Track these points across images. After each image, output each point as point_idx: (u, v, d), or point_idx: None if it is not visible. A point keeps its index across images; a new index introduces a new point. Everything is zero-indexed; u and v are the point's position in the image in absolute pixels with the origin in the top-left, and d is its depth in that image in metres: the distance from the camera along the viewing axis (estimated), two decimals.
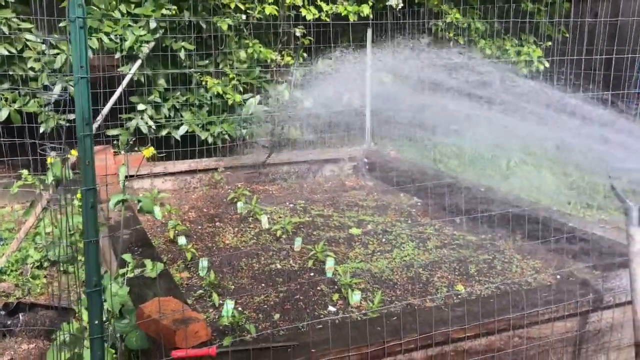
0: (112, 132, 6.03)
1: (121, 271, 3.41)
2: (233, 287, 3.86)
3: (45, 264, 4.57)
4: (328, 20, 6.71)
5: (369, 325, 2.74)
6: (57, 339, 2.89)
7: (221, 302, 3.49)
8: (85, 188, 2.03)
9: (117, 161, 5.70)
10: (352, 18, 6.75)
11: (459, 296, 3.65)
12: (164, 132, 6.20)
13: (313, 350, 2.56)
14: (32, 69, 5.45)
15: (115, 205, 3.06)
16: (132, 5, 5.82)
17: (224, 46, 6.41)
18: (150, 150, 3.75)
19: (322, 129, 6.79)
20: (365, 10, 6.74)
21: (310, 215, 5.32)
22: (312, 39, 6.94)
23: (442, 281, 3.91)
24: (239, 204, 5.44)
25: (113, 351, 2.93)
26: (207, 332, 2.61)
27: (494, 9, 7.22)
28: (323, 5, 6.70)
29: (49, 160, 3.89)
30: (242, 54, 6.47)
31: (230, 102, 6.36)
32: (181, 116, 6.29)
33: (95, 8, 5.61)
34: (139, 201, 3.16)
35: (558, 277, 3.95)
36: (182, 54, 6.04)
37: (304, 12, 6.59)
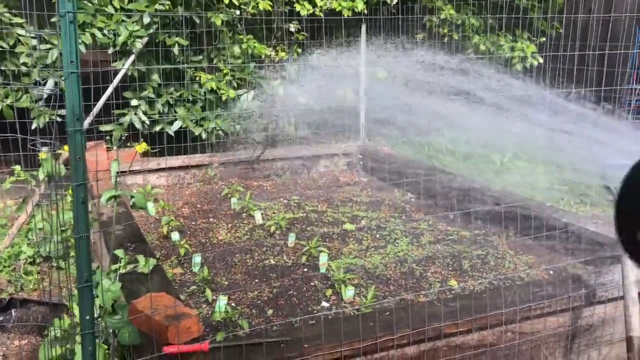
0: (106, 127, 6.01)
1: (114, 267, 3.40)
2: (226, 282, 3.85)
3: (38, 260, 4.56)
4: (322, 15, 6.70)
5: (361, 321, 2.75)
6: (49, 334, 2.88)
7: (214, 297, 3.48)
8: (76, 183, 2.02)
9: (110, 157, 5.68)
10: (347, 14, 6.74)
11: (452, 291, 3.66)
12: (157, 128, 6.18)
13: (306, 346, 2.56)
14: (24, 64, 5.42)
15: (107, 200, 3.05)
16: (126, 1, 5.80)
17: (218, 42, 6.39)
18: (143, 146, 3.74)
19: (316, 124, 6.79)
20: (360, 5, 6.73)
21: (304, 211, 5.31)
22: (306, 34, 6.92)
23: (435, 277, 3.92)
24: (233, 200, 5.43)
25: (105, 347, 2.93)
26: (199, 328, 2.61)
27: (488, 4, 7.22)
28: (317, 0, 6.68)
29: (41, 155, 3.88)
30: (236, 50, 6.45)
31: (224, 97, 6.34)
32: (175, 112, 6.27)
33: (88, 3, 5.58)
34: (132, 197, 3.16)
35: (551, 272, 3.96)
36: (175, 50, 6.02)
37: (298, 7, 6.58)
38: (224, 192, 5.80)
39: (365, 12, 6.89)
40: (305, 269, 4.05)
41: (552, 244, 4.22)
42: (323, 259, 4.00)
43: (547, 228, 4.18)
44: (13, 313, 3.70)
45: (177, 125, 6.23)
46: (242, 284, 3.81)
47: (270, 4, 6.42)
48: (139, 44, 5.79)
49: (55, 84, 5.29)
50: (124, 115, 6.03)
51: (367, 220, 5.05)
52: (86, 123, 5.44)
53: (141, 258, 3.45)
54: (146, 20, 5.77)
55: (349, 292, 3.56)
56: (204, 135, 6.34)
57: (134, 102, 6.03)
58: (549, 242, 4.23)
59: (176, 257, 4.22)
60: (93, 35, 5.56)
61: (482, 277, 3.91)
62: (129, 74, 5.88)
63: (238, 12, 6.38)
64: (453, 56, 6.07)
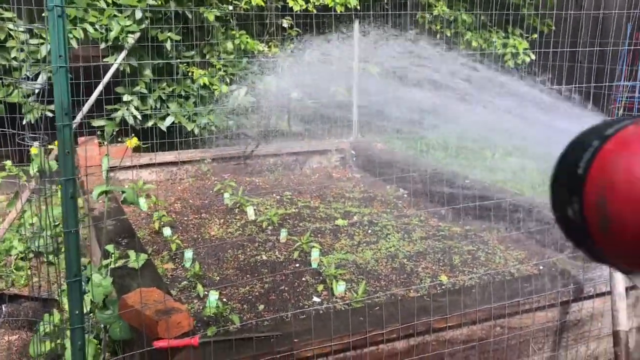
0: (97, 122, 5.99)
1: (105, 262, 3.40)
2: (218, 278, 3.86)
3: (29, 255, 4.55)
4: (315, 11, 6.70)
5: (352, 316, 2.76)
6: (39, 330, 2.88)
7: (206, 293, 3.49)
8: (65, 178, 2.02)
9: (102, 152, 5.66)
10: (339, 9, 6.74)
11: (443, 287, 3.68)
12: (149, 123, 6.17)
13: (296, 340, 2.57)
14: (14, 58, 5.39)
15: (98, 196, 3.05)
16: None
17: (211, 37, 6.38)
18: (134, 141, 3.74)
19: (309, 120, 6.79)
20: (352, 1, 6.73)
21: (296, 207, 5.32)
22: (299, 30, 6.92)
23: (426, 272, 3.94)
24: (225, 195, 5.43)
25: (96, 342, 2.93)
26: (189, 323, 2.62)
27: (481, 1, 7.24)
28: None
29: (32, 150, 3.86)
30: (229, 45, 6.44)
31: (216, 93, 6.33)
32: (167, 107, 6.26)
33: None
34: (123, 192, 3.16)
35: (541, 267, 3.99)
36: (168, 45, 6.01)
37: (290, 3, 6.58)
38: (216, 187, 5.80)
39: (358, 8, 6.89)
40: (297, 265, 4.06)
41: (542, 239, 4.25)
42: (315, 254, 4.01)
43: (538, 223, 4.21)
44: (3, 308, 3.70)
45: (169, 120, 6.22)
46: (233, 279, 3.82)
47: None
48: (131, 39, 5.78)
49: (48, 78, 5.27)
50: (116, 110, 6.01)
51: (359, 216, 5.06)
52: (78, 118, 5.43)
53: (132, 253, 3.46)
54: (138, 15, 5.75)
55: (340, 287, 3.58)
56: (196, 131, 6.34)
57: (126, 98, 6.02)
58: (539, 237, 4.26)
59: (168, 253, 4.22)
60: (85, 30, 5.54)
61: (473, 272, 3.93)
62: (121, 69, 5.87)
63: (231, 7, 6.37)
64: (445, 53, 6.08)
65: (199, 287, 3.57)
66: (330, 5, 6.72)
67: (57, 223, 3.96)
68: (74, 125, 2.37)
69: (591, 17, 7.01)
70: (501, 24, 7.56)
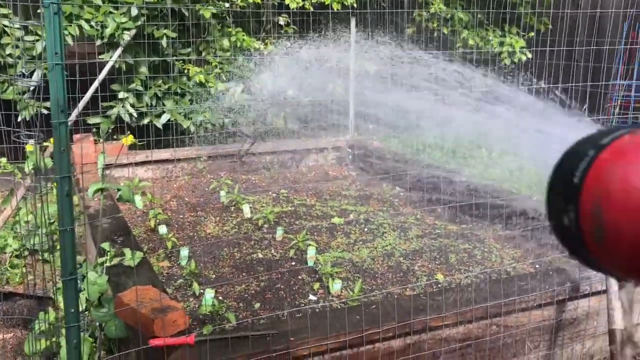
0: (93, 120, 5.97)
1: (100, 260, 3.39)
2: (214, 276, 3.85)
3: (25, 253, 4.53)
4: (312, 9, 6.68)
5: (348, 314, 2.76)
6: (34, 328, 2.87)
7: (202, 291, 3.48)
8: (60, 176, 2.01)
9: (97, 149, 5.64)
10: (336, 7, 6.73)
11: (439, 285, 3.68)
12: (145, 121, 6.15)
13: (292, 339, 2.57)
14: (9, 55, 5.36)
15: (94, 193, 3.04)
16: None
17: (207, 34, 6.36)
18: (129, 139, 3.72)
19: (305, 118, 6.78)
20: None
21: (292, 205, 5.32)
22: (295, 27, 6.91)
23: (422, 270, 3.94)
24: (221, 193, 5.42)
25: (91, 340, 2.92)
26: (185, 321, 2.61)
27: None
28: None
29: (27, 148, 3.85)
30: (225, 42, 6.43)
31: (212, 90, 6.32)
32: (163, 104, 6.24)
33: None
34: (119, 190, 3.15)
35: (537, 266, 3.99)
36: (164, 42, 5.99)
37: (287, 0, 6.56)
38: (212, 185, 5.79)
39: (355, 5, 6.88)
40: (293, 263, 4.06)
41: (539, 238, 4.26)
42: (311, 252, 4.01)
43: (534, 222, 4.22)
44: None
45: (165, 118, 6.21)
46: (229, 278, 3.81)
47: None
48: (126, 36, 5.75)
49: (43, 75, 5.25)
50: (111, 107, 5.99)
51: (355, 214, 5.06)
52: (73, 115, 5.40)
53: (128, 251, 3.44)
54: (134, 12, 5.73)
55: (336, 286, 3.57)
56: (192, 128, 6.32)
57: (121, 95, 5.99)
58: (535, 235, 4.26)
59: (163, 251, 4.21)
60: (80, 27, 5.52)
61: (469, 270, 3.94)
62: (117, 66, 5.85)
63: (227, 4, 6.35)
64: (442, 51, 6.08)
65: (195, 285, 3.57)
66: (327, 3, 6.71)
67: (52, 221, 3.95)
68: (69, 123, 2.35)
69: (588, 16, 7.02)
70: (498, 22, 7.56)
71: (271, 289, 3.65)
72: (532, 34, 7.50)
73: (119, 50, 5.77)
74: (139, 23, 5.81)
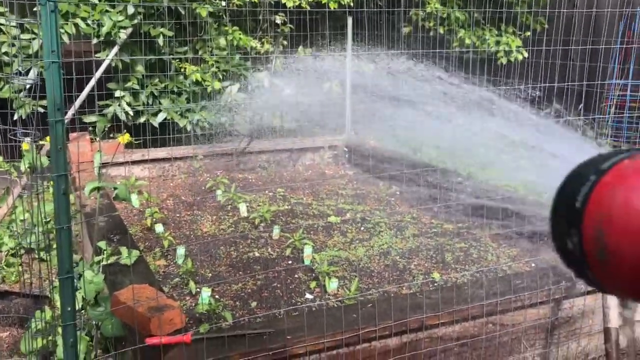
0: (89, 118, 5.96)
1: (97, 259, 3.38)
2: (210, 275, 3.85)
3: (21, 252, 4.52)
4: (308, 8, 6.68)
5: (344, 313, 2.76)
6: (30, 326, 2.87)
7: (198, 289, 3.48)
8: (57, 175, 2.01)
9: (94, 148, 5.63)
10: (333, 6, 6.73)
11: (435, 284, 3.69)
12: (142, 119, 6.14)
13: (289, 337, 2.57)
14: (5, 53, 5.35)
15: (90, 192, 3.03)
16: None
17: (203, 33, 6.35)
18: (126, 137, 3.72)
19: (302, 117, 6.78)
20: None
21: (289, 204, 5.32)
22: (292, 26, 6.90)
23: (418, 269, 3.95)
24: (218, 192, 5.42)
25: (88, 338, 2.92)
26: (181, 320, 2.61)
27: None
28: None
29: (24, 146, 3.84)
30: (222, 41, 6.42)
31: (209, 89, 6.31)
32: (159, 103, 6.24)
33: None
34: (115, 188, 3.14)
35: (533, 265, 4.00)
36: (160, 41, 5.98)
37: None
38: (208, 184, 5.78)
39: (352, 4, 6.88)
40: (290, 261, 4.06)
41: (535, 237, 4.27)
42: (307, 251, 4.01)
43: (530, 221, 4.23)
44: None
45: (161, 116, 6.20)
46: (226, 276, 3.81)
47: None
48: (123, 35, 5.74)
49: (39, 74, 5.24)
50: (108, 106, 5.98)
51: (352, 213, 5.06)
52: (70, 114, 5.39)
53: (124, 250, 3.44)
54: (130, 10, 5.72)
55: (332, 284, 3.58)
56: (188, 127, 6.31)
57: (118, 93, 5.98)
58: (532, 234, 4.27)
59: (160, 249, 4.20)
60: (76, 25, 5.51)
61: (465, 269, 3.94)
62: (113, 64, 5.83)
63: (224, 3, 6.35)
64: (438, 50, 6.09)
65: (192, 284, 3.57)
66: (323, 2, 6.70)
67: (48, 219, 3.94)
68: (65, 121, 2.35)
69: (584, 16, 7.04)
70: (494, 21, 7.57)
71: (268, 287, 3.65)
72: (528, 33, 7.52)
73: (115, 49, 5.76)
74: (136, 21, 5.80)
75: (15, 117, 5.23)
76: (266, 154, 6.69)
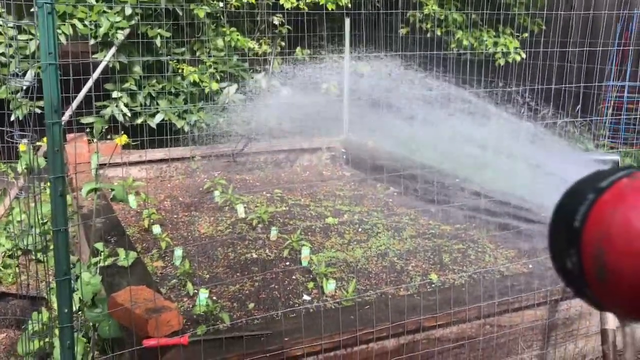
0: (86, 119, 5.95)
1: (94, 260, 3.38)
2: (208, 276, 3.85)
3: (18, 253, 4.51)
4: (306, 9, 6.68)
5: (342, 314, 2.76)
6: (27, 328, 2.86)
7: (196, 291, 3.48)
8: (54, 176, 2.00)
9: (91, 149, 5.62)
10: (331, 7, 6.73)
11: (432, 285, 3.69)
12: (139, 120, 6.13)
13: (286, 339, 2.57)
14: (2, 54, 5.34)
15: (87, 193, 3.03)
16: None
17: (201, 34, 6.35)
18: (123, 139, 3.72)
19: (299, 118, 6.78)
20: None
21: (287, 205, 5.32)
22: (290, 28, 6.90)
23: (416, 270, 3.95)
24: (215, 193, 5.41)
25: (85, 340, 2.92)
26: (179, 321, 2.61)
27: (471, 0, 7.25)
28: None
29: (21, 147, 3.83)
30: (220, 42, 6.42)
31: (207, 90, 6.31)
32: (157, 104, 6.23)
33: None
34: (112, 190, 3.14)
35: (530, 266, 4.01)
36: (158, 42, 5.97)
37: (282, 0, 6.55)
38: (206, 185, 5.78)
39: (349, 6, 6.88)
40: (287, 263, 4.06)
41: (532, 238, 4.27)
42: (305, 252, 4.01)
43: (527, 222, 4.23)
44: None
45: (159, 117, 6.19)
46: (223, 278, 3.81)
47: None
48: (120, 36, 5.74)
49: (36, 75, 5.23)
50: (105, 107, 5.97)
51: (349, 214, 5.06)
52: (67, 115, 5.38)
53: (121, 251, 3.44)
54: (128, 11, 5.72)
55: (330, 286, 3.58)
56: (186, 128, 6.31)
57: (115, 94, 5.98)
58: (529, 236, 4.28)
59: (157, 251, 4.20)
60: (74, 26, 5.50)
61: (463, 270, 3.95)
62: (110, 65, 5.83)
63: (221, 4, 6.34)
64: (435, 52, 6.10)
65: (189, 286, 3.56)
66: (321, 3, 6.71)
67: (45, 220, 3.93)
68: (62, 123, 2.35)
69: (581, 17, 7.05)
70: (492, 22, 7.58)
71: (265, 289, 3.65)
72: (526, 34, 7.53)
73: (112, 50, 5.75)
74: (133, 22, 5.79)
75: (12, 118, 5.22)
76: (264, 155, 6.69)
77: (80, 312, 2.98)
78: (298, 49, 7.14)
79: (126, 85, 6.01)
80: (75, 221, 4.27)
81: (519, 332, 3.11)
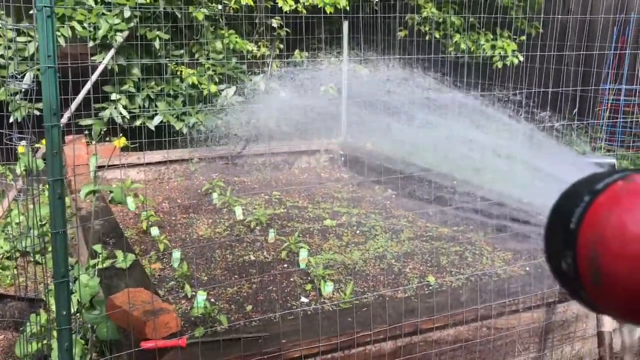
0: (85, 121, 5.95)
1: (92, 262, 3.38)
2: (206, 278, 3.86)
3: (16, 255, 4.51)
4: (305, 11, 6.70)
5: (339, 316, 2.77)
6: (25, 330, 2.86)
7: (193, 293, 3.48)
8: (52, 179, 2.01)
9: (90, 151, 5.63)
10: (329, 10, 6.74)
11: (430, 287, 3.70)
12: (138, 122, 6.14)
13: (284, 341, 2.58)
14: (1, 56, 5.35)
15: (86, 195, 3.04)
16: None
17: (200, 36, 6.36)
18: (122, 141, 3.73)
19: (298, 120, 6.79)
20: (342, 2, 6.74)
21: (285, 207, 5.33)
22: (288, 30, 6.92)
23: (413, 272, 3.96)
24: (214, 195, 5.42)
25: (83, 342, 2.92)
26: (177, 323, 2.62)
27: (469, 3, 7.27)
28: None
29: (19, 149, 3.84)
30: (218, 45, 6.43)
31: (205, 92, 6.32)
32: (155, 106, 6.24)
33: None
34: (111, 192, 3.15)
35: (527, 268, 4.02)
36: (156, 44, 5.99)
37: (280, 3, 6.57)
38: (204, 187, 5.79)
39: (348, 9, 6.90)
40: (285, 265, 4.07)
41: (529, 241, 4.28)
42: (303, 254, 4.02)
43: (524, 225, 4.24)
44: None
45: (157, 119, 6.20)
46: (221, 280, 3.82)
47: None
48: (119, 38, 5.75)
49: (35, 77, 5.23)
50: (103, 109, 5.98)
51: (347, 216, 5.07)
52: (65, 117, 5.39)
53: (120, 253, 3.44)
54: (127, 13, 5.73)
55: (328, 288, 3.59)
56: (184, 130, 6.32)
57: (114, 96, 5.98)
58: (526, 238, 4.29)
59: (155, 253, 4.20)
60: (72, 28, 5.51)
61: (460, 273, 3.96)
62: (109, 67, 5.84)
63: (220, 6, 6.36)
64: (433, 56, 6.12)
65: (187, 288, 3.57)
66: (319, 6, 6.72)
67: (44, 222, 3.94)
68: (61, 125, 2.35)
69: (578, 21, 7.07)
70: (489, 26, 7.60)
71: (263, 291, 3.66)
72: (523, 37, 7.55)
73: (111, 52, 5.76)
74: (132, 25, 5.80)
75: (11, 119, 5.22)
76: (262, 157, 6.70)
77: (78, 314, 2.99)
78: (297, 51, 7.16)
79: (125, 87, 6.02)
80: (73, 223, 4.28)
81: (516, 334, 3.12)
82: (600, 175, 0.66)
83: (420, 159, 6.68)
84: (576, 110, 6.91)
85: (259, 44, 6.80)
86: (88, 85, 5.57)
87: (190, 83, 6.24)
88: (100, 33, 5.61)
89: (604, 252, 0.60)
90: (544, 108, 6.38)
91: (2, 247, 4.48)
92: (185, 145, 6.40)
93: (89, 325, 2.88)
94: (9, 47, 5.33)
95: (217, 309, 3.34)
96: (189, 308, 3.38)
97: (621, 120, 7.02)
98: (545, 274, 3.33)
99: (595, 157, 5.58)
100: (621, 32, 7.25)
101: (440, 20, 7.40)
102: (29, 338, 2.83)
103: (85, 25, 5.60)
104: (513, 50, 7.52)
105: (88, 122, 5.96)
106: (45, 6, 1.89)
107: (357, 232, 4.71)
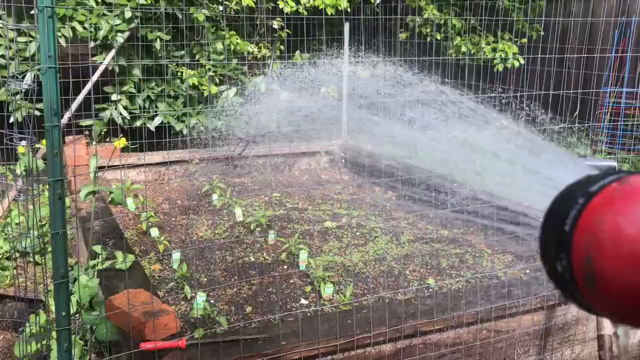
0: (85, 122, 5.95)
1: (92, 263, 3.38)
2: (205, 279, 3.85)
3: (15, 255, 4.51)
4: (306, 13, 6.70)
5: (339, 318, 2.77)
6: (25, 331, 2.86)
7: (193, 294, 3.48)
8: (53, 179, 2.01)
9: (90, 152, 5.62)
10: (330, 11, 6.75)
11: (430, 290, 3.70)
12: (138, 123, 6.14)
13: (283, 343, 2.58)
14: (2, 56, 5.34)
15: (86, 196, 3.04)
16: None
17: (201, 37, 6.36)
18: (122, 142, 3.72)
19: (298, 122, 6.79)
20: (343, 3, 6.74)
21: (285, 208, 5.32)
22: (289, 31, 6.92)
23: (413, 275, 3.95)
24: (214, 196, 5.42)
25: (82, 343, 2.92)
26: (176, 325, 2.61)
27: (470, 5, 7.27)
28: None
29: (19, 149, 3.84)
30: (219, 46, 6.43)
31: (206, 93, 6.32)
32: (156, 107, 6.24)
33: None
34: (111, 192, 3.15)
35: (527, 271, 4.02)
36: (157, 45, 5.99)
37: (281, 4, 6.57)
38: (204, 188, 5.78)
39: (349, 10, 6.90)
40: (285, 267, 4.06)
41: (529, 243, 4.28)
42: (303, 256, 4.01)
43: (523, 227, 4.24)
44: None
45: (158, 120, 6.20)
46: (221, 281, 3.81)
47: (254, 0, 6.41)
48: (120, 39, 5.75)
49: (35, 77, 5.23)
50: (104, 110, 5.98)
51: (347, 218, 5.07)
52: (66, 118, 5.39)
53: (119, 254, 3.44)
54: (128, 14, 5.73)
55: (327, 290, 3.58)
56: (185, 131, 6.31)
57: (114, 97, 5.98)
58: (526, 241, 4.29)
59: (155, 254, 4.20)
60: (73, 29, 5.51)
61: (460, 275, 3.95)
62: (110, 68, 5.84)
63: (221, 8, 6.36)
64: (434, 58, 6.12)
65: (187, 289, 3.56)
66: (320, 8, 6.72)
67: (43, 223, 3.94)
68: (62, 125, 2.35)
69: (579, 24, 7.08)
70: (490, 28, 7.60)
71: (263, 292, 3.65)
72: (525, 40, 7.55)
73: (112, 53, 5.76)
74: (133, 25, 5.80)
75: (11, 120, 5.22)
76: (262, 159, 6.69)
77: (77, 315, 2.98)
78: (297, 52, 7.16)
79: (125, 88, 6.02)
80: (73, 224, 4.28)
81: (516, 337, 3.12)
82: (595, 177, 0.66)
83: (420, 161, 6.68)
84: (577, 113, 6.91)
85: (260, 45, 6.80)
86: (88, 86, 5.56)
87: (191, 84, 6.24)
88: (101, 33, 5.62)
89: (598, 254, 0.60)
90: (544, 111, 6.38)
91: (1, 248, 4.48)
92: (185, 146, 6.40)
93: (88, 326, 2.88)
94: (10, 47, 5.33)
95: (216, 311, 3.34)
96: (188, 309, 3.37)
97: (622, 123, 7.02)
98: (545, 277, 3.32)
99: (596, 160, 5.58)
100: (622, 35, 7.25)
101: (442, 22, 7.40)
102: (28, 339, 2.83)
103: (86, 25, 5.60)
104: (514, 53, 7.52)
105: (88, 122, 5.96)
106: (46, 6, 1.88)
107: (357, 234, 4.70)
